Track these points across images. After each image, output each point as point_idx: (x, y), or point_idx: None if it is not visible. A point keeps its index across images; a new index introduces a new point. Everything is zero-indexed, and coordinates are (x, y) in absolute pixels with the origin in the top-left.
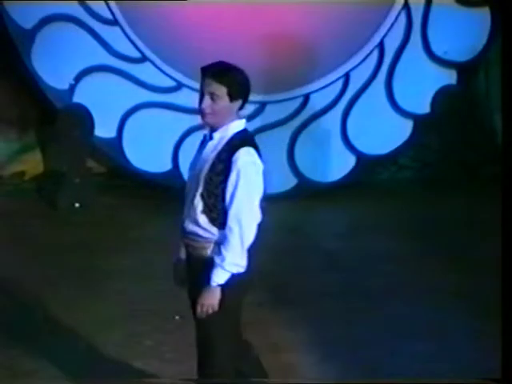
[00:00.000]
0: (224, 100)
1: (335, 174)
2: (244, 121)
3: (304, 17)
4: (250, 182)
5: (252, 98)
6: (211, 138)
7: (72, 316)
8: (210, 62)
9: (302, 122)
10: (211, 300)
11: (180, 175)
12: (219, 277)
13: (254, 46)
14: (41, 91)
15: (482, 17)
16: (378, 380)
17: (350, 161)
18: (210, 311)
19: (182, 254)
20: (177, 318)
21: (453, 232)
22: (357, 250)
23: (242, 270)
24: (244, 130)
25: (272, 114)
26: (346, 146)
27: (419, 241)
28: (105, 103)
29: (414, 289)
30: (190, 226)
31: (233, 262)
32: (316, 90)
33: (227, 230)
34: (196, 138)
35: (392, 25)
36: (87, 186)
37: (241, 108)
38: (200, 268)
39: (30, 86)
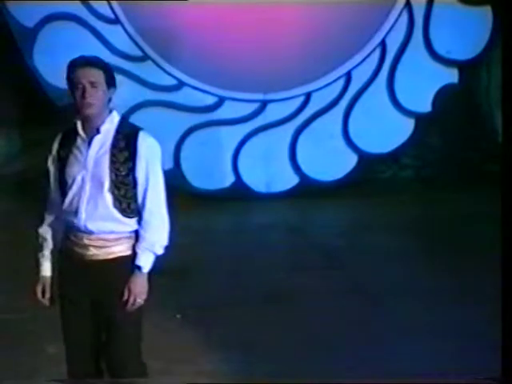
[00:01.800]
0: (103, 86)
1: (337, 173)
2: (115, 110)
3: (305, 16)
4: (157, 162)
5: (253, 96)
6: (98, 132)
7: None
8: (211, 60)
9: (304, 120)
10: (143, 287)
11: (182, 174)
12: (147, 261)
13: (255, 44)
14: (42, 89)
15: (484, 16)
16: (378, 380)
17: (352, 159)
18: (141, 300)
19: (47, 270)
20: (178, 316)
21: (454, 230)
22: (358, 248)
23: (163, 250)
24: (123, 117)
25: (273, 112)
26: (347, 145)
27: (420, 239)
28: None
29: (414, 287)
30: (99, 225)
31: (160, 243)
32: (317, 89)
33: (147, 215)
34: (198, 137)
35: (394, 23)
36: None
37: (110, 99)
38: (110, 266)
39: (31, 85)
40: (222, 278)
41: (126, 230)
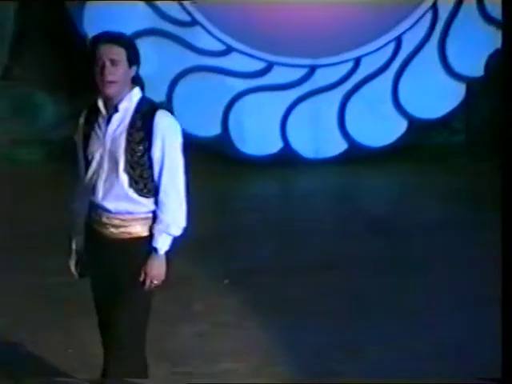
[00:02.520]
0: (124, 65)
1: (386, 139)
2: (138, 88)
3: None
4: (175, 142)
5: (302, 61)
6: (116, 110)
7: None
8: (260, 25)
9: (353, 85)
10: (160, 269)
11: (230, 139)
12: (165, 243)
13: (304, 9)
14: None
15: None
16: (378, 380)
17: (402, 125)
18: (159, 282)
19: (78, 244)
20: (226, 281)
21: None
22: (407, 215)
23: (181, 231)
24: (144, 96)
25: (322, 77)
26: (397, 110)
27: (470, 207)
28: (154, 67)
29: (462, 257)
30: (116, 204)
31: (177, 224)
32: (367, 54)
33: (162, 195)
34: (246, 102)
35: None
36: None
37: (134, 77)
38: (128, 246)
39: (80, 51)
40: (271, 244)
41: (143, 210)
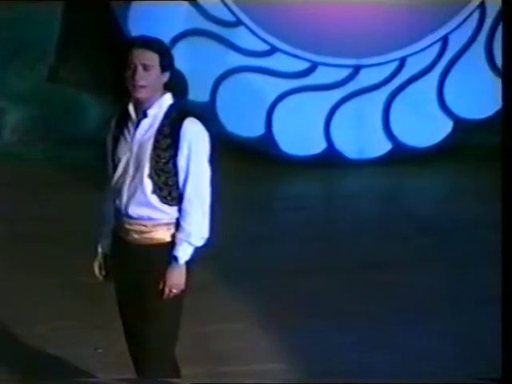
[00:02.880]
0: (156, 70)
1: (431, 139)
2: (170, 94)
3: None
4: (202, 151)
5: (346, 61)
6: (145, 115)
7: None
8: (304, 25)
9: (398, 85)
10: (179, 279)
11: (273, 140)
12: (185, 252)
13: (348, 9)
14: None
15: None
16: (378, 380)
17: (447, 125)
18: (177, 291)
19: (104, 248)
20: (268, 282)
21: None
22: (452, 215)
23: (203, 242)
24: (175, 102)
25: (367, 77)
26: (442, 111)
27: None
28: (198, 67)
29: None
30: (138, 210)
31: (199, 234)
32: (412, 53)
33: (186, 204)
34: (290, 103)
35: None
36: None
37: (167, 83)
38: (150, 252)
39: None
40: (314, 245)
41: (165, 217)
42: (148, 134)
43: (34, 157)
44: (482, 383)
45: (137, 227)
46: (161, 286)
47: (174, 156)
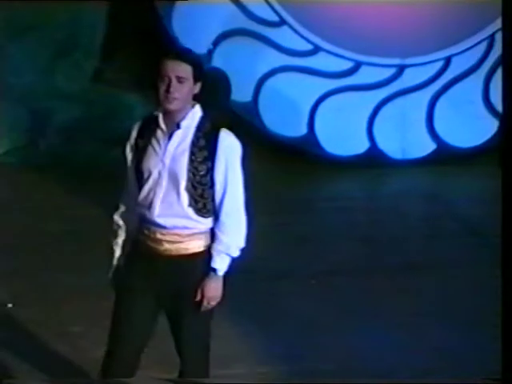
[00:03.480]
0: (190, 82)
1: (476, 140)
2: (199, 105)
3: None
4: (237, 163)
5: (390, 61)
6: (178, 127)
7: None
8: (348, 25)
9: (443, 85)
10: (217, 291)
11: (316, 139)
12: (224, 264)
13: (393, 8)
14: None
15: None
16: (378, 380)
17: (492, 125)
18: (214, 303)
19: (120, 258)
20: (313, 281)
21: None
22: (496, 216)
23: (239, 252)
24: (206, 113)
25: (411, 77)
26: (488, 111)
27: None
28: (242, 67)
29: None
30: (173, 221)
31: (237, 245)
32: (458, 53)
33: (224, 216)
34: (333, 102)
35: None
36: None
37: (196, 93)
38: (182, 263)
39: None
40: (357, 245)
41: (200, 227)
42: (182, 147)
43: (80, 156)
44: (482, 383)
45: (171, 237)
46: (198, 298)
47: (212, 169)
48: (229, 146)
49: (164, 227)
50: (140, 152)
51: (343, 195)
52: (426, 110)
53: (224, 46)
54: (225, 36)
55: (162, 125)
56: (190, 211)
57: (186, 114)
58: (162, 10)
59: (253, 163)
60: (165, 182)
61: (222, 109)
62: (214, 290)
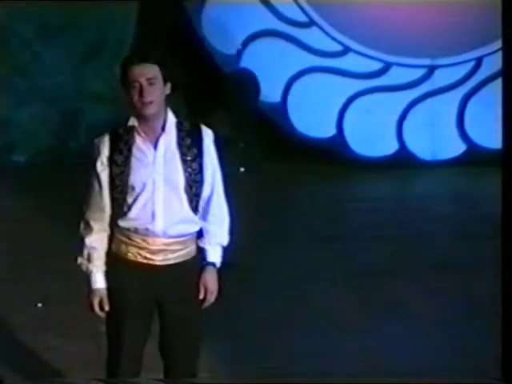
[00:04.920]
0: (160, 82)
1: None
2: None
3: None
4: (216, 153)
5: (420, 62)
6: (163, 130)
7: None
8: (377, 25)
9: (473, 86)
10: (216, 284)
11: (344, 141)
12: (218, 256)
13: (423, 8)
14: (209, 56)
15: None
16: (378, 380)
17: None
18: (214, 297)
19: (102, 280)
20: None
21: None
22: None
23: None
24: (175, 113)
25: (441, 78)
26: None
27: None
28: (271, 68)
29: None
30: (178, 228)
31: (226, 233)
32: (489, 53)
33: (216, 210)
34: (362, 103)
35: None
36: (252, 150)
37: (168, 94)
38: (181, 268)
39: (198, 51)
40: (387, 246)
41: (195, 229)
42: (170, 149)
43: None
44: (483, 383)
45: (174, 246)
46: (201, 296)
47: (201, 165)
48: (211, 140)
49: (169, 236)
50: (121, 167)
51: (372, 196)
52: (456, 111)
53: (253, 46)
54: (254, 37)
55: (142, 133)
56: (190, 212)
57: (166, 116)
58: (191, 10)
59: (281, 164)
60: (162, 189)
61: (250, 109)
62: (214, 282)
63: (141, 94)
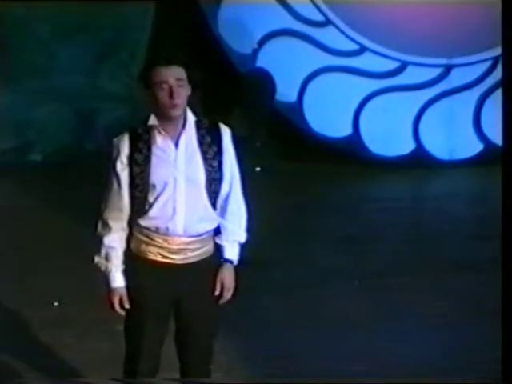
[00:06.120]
0: (186, 84)
1: None
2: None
3: None
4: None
5: (437, 61)
6: (184, 129)
7: None
8: (393, 24)
9: (490, 85)
10: (233, 280)
11: (361, 140)
12: (236, 253)
13: (439, 7)
14: (225, 56)
15: None
16: (378, 380)
17: None
18: (231, 294)
19: (121, 279)
20: (356, 283)
21: None
22: None
23: None
24: (193, 112)
25: (458, 77)
26: None
27: None
28: (287, 67)
29: None
30: (200, 226)
31: (244, 230)
32: None
33: (234, 206)
34: (378, 103)
35: None
36: (268, 150)
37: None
38: (200, 265)
39: (215, 50)
40: (403, 246)
41: (213, 226)
42: (191, 147)
43: None
44: (483, 383)
45: (194, 245)
46: (217, 292)
47: (221, 162)
48: (229, 139)
49: (190, 235)
50: (141, 166)
51: (388, 196)
52: (472, 111)
53: (269, 46)
54: (270, 36)
55: (162, 132)
56: (211, 210)
57: (185, 114)
58: (207, 10)
59: (297, 163)
60: (183, 187)
61: (266, 109)
62: (232, 279)
63: (171, 95)
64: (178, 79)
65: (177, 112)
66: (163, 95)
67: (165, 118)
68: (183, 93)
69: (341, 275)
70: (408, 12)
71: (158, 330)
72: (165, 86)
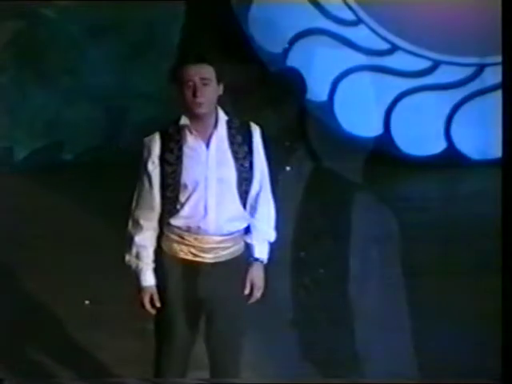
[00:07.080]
0: (214, 83)
1: None
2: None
3: None
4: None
5: (469, 60)
6: (216, 129)
7: None
8: (426, 23)
9: None
10: (263, 279)
11: (392, 140)
12: (266, 252)
13: (471, 6)
14: (255, 55)
15: None
16: (378, 380)
17: None
18: (261, 293)
19: (152, 277)
20: (386, 282)
21: None
22: None
23: None
24: (225, 111)
25: (491, 76)
26: None
27: None
28: (317, 66)
29: None
30: (231, 225)
31: (274, 232)
32: None
33: (264, 206)
34: (410, 102)
35: None
36: (298, 149)
37: (220, 95)
38: (231, 265)
39: (245, 50)
40: (435, 246)
41: (244, 226)
42: (223, 147)
43: None
44: (483, 383)
45: (225, 244)
46: (247, 291)
47: (252, 162)
48: (260, 138)
49: (221, 234)
50: (173, 165)
51: (419, 196)
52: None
53: (300, 45)
54: (301, 35)
55: (194, 131)
56: (241, 209)
57: (217, 115)
58: (238, 9)
59: (327, 163)
60: (214, 186)
61: (297, 108)
62: (261, 278)
63: (194, 93)
64: (204, 78)
65: (200, 110)
66: (188, 93)
67: (194, 117)
68: (208, 91)
69: (372, 274)
70: (440, 11)
71: (189, 329)
72: (190, 84)
